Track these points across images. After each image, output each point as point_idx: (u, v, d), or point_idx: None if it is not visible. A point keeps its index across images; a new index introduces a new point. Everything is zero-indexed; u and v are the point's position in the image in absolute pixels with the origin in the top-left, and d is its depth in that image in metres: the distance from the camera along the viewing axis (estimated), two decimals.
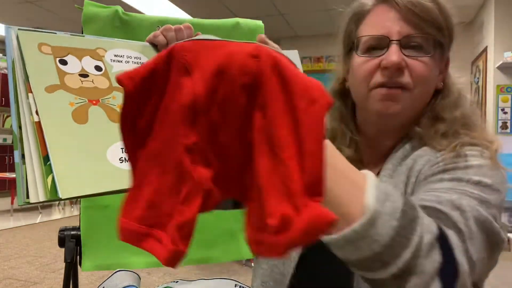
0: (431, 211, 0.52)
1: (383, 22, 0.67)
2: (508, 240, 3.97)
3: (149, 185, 0.41)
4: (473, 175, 0.58)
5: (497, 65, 4.48)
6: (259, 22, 1.63)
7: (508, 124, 4.53)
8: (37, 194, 0.49)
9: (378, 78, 0.67)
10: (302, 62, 6.53)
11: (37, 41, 0.58)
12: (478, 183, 0.57)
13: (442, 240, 0.45)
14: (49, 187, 0.49)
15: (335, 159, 0.43)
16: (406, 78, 0.66)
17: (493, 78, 4.58)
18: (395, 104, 0.66)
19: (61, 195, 0.48)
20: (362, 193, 0.42)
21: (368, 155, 0.76)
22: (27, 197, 0.49)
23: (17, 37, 0.56)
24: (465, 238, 0.50)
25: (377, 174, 0.70)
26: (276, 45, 0.52)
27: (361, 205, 0.41)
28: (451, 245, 0.46)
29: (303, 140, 0.36)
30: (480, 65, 5.00)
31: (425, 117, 0.69)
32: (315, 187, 0.35)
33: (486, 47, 4.73)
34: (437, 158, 0.63)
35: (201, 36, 0.42)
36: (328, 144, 0.43)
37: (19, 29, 0.56)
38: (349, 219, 0.41)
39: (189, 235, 0.37)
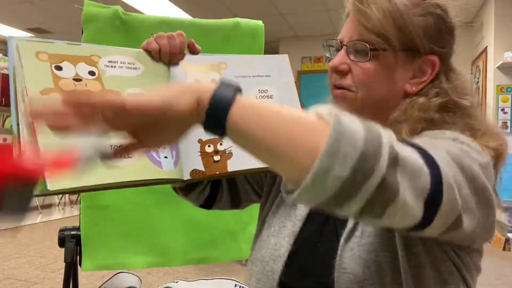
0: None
1: (344, 27, 0.73)
2: (508, 240, 3.96)
3: None
4: (449, 135, 0.60)
5: (497, 65, 4.48)
6: (259, 22, 1.63)
7: (508, 124, 4.53)
8: None
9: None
10: (302, 62, 6.52)
11: (35, 49, 0.62)
12: (455, 140, 0.59)
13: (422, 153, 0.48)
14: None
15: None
16: (347, 81, 0.70)
17: (493, 78, 4.58)
18: (343, 103, 0.71)
19: (49, 187, 0.54)
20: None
21: None
22: None
23: (17, 47, 0.60)
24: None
25: None
26: None
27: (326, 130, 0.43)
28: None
29: None
30: (480, 65, 5.00)
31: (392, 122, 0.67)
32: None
33: (486, 47, 4.74)
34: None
35: None
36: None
37: (18, 40, 0.61)
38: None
39: None
